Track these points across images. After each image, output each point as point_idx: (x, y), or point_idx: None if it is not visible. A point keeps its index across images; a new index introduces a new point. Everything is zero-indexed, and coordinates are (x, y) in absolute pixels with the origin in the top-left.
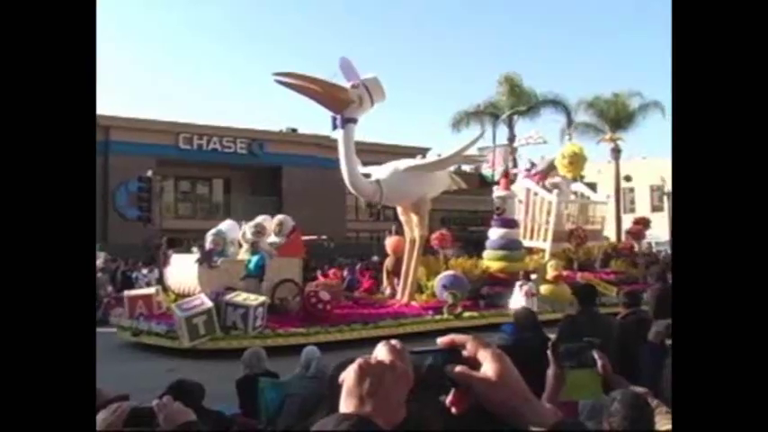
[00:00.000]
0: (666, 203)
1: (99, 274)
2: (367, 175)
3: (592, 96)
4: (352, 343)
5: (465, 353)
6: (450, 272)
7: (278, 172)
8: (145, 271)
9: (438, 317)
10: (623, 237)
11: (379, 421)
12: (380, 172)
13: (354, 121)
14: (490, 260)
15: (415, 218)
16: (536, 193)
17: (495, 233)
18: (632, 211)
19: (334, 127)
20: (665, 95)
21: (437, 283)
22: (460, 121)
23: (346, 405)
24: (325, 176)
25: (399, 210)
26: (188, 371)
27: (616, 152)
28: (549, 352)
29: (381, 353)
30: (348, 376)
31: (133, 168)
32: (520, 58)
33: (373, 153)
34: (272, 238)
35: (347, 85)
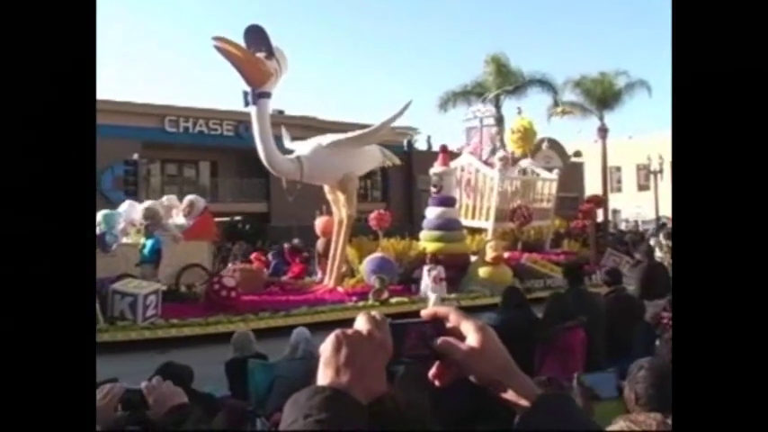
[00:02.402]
0: (653, 182)
1: None
2: (290, 152)
3: (578, 76)
4: (261, 333)
5: (448, 325)
6: (377, 254)
7: None
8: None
9: (362, 303)
10: (610, 216)
11: (356, 393)
12: (302, 148)
13: (268, 95)
14: (426, 241)
15: (341, 197)
16: (477, 170)
17: (431, 212)
18: (619, 190)
19: (247, 103)
20: (651, 74)
21: (364, 266)
22: (447, 101)
23: (323, 376)
24: None
25: (326, 188)
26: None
27: (603, 131)
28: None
29: (359, 323)
30: (324, 347)
31: (119, 152)
32: (507, 37)
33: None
34: (181, 220)
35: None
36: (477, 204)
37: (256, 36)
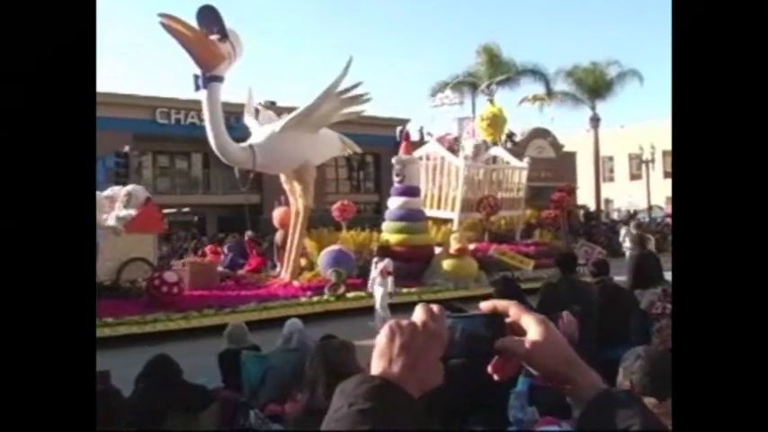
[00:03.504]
0: (645, 172)
1: None
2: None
3: (570, 65)
4: (205, 331)
5: (507, 319)
6: (334, 247)
7: None
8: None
9: (316, 298)
10: (602, 206)
11: (407, 384)
12: (257, 135)
13: (220, 79)
14: (388, 233)
15: (298, 187)
16: (443, 158)
17: (393, 202)
18: (611, 180)
19: (197, 87)
20: (642, 64)
21: (320, 259)
22: (440, 91)
23: (375, 366)
24: None
25: (283, 178)
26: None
27: (595, 121)
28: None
29: (416, 314)
30: (379, 338)
31: (110, 144)
32: (499, 27)
33: (350, 124)
34: (123, 212)
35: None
36: (443, 194)
37: (209, 17)
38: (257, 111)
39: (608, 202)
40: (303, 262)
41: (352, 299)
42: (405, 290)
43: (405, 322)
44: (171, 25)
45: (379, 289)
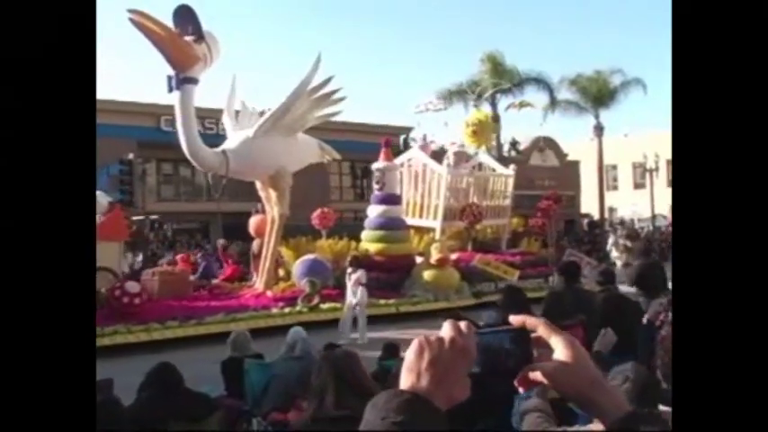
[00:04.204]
0: (649, 180)
1: None
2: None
3: (574, 74)
4: (170, 344)
5: (534, 335)
6: (309, 256)
7: None
8: (129, 255)
9: (288, 310)
10: (606, 214)
11: (435, 398)
12: (231, 140)
13: (195, 81)
14: (367, 241)
15: (273, 194)
16: (425, 165)
17: (373, 210)
18: (615, 188)
19: (171, 88)
20: (646, 72)
21: (294, 269)
22: (443, 99)
23: (404, 381)
24: None
25: (258, 185)
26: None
27: (599, 130)
28: None
29: (444, 330)
30: (408, 353)
31: (114, 151)
32: (503, 36)
33: (355, 132)
34: None
35: (187, 39)
36: (425, 202)
37: (186, 18)
38: (237, 112)
39: (612, 210)
40: (281, 272)
41: (326, 310)
42: (382, 301)
43: (433, 338)
44: (141, 22)
45: (353, 300)
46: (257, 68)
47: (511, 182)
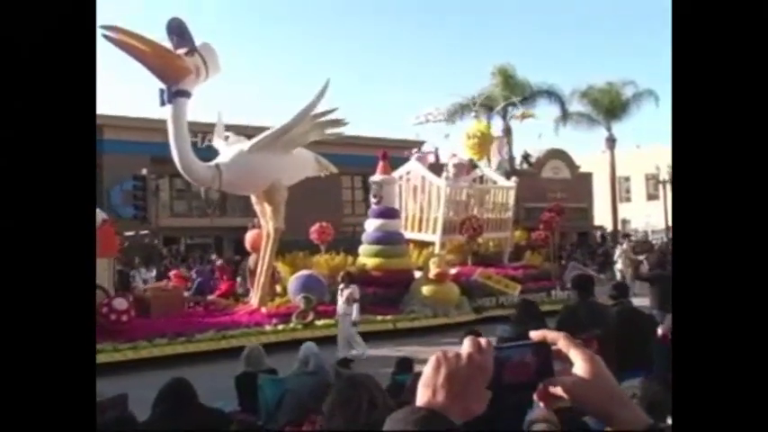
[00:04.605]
0: (662, 192)
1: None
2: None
3: (585, 86)
4: (157, 362)
5: (554, 348)
6: (305, 272)
7: None
8: (143, 270)
9: (282, 327)
10: (619, 226)
11: (451, 413)
12: (224, 154)
13: (187, 94)
14: (365, 256)
15: (268, 208)
16: (423, 177)
17: (370, 224)
18: (628, 200)
19: (163, 102)
20: (658, 84)
21: (289, 285)
22: (455, 113)
23: (421, 396)
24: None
25: (253, 199)
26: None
27: (611, 141)
28: None
29: (464, 346)
30: (426, 368)
31: (128, 167)
32: (513, 48)
33: (369, 147)
34: None
35: (179, 52)
36: (424, 215)
37: (177, 31)
38: (227, 137)
39: (625, 222)
40: (279, 288)
41: (321, 327)
42: (379, 317)
43: (451, 353)
44: (120, 39)
45: (344, 318)
46: (263, 82)
47: (512, 194)
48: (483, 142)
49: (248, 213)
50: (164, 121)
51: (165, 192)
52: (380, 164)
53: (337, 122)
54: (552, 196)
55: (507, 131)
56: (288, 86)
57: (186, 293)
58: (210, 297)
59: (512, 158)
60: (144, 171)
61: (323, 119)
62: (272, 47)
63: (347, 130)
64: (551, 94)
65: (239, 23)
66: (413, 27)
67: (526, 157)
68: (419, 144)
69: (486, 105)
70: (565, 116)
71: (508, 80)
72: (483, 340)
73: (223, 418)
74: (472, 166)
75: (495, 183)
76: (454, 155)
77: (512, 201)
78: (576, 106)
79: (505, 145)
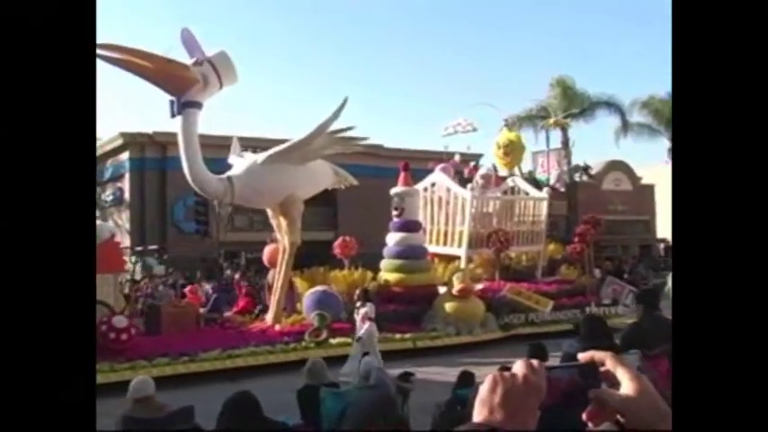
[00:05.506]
0: None
1: (161, 287)
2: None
3: (646, 96)
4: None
5: (602, 369)
6: (319, 288)
7: None
8: (206, 285)
9: (293, 345)
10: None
11: (507, 429)
12: (237, 167)
13: (198, 105)
14: (386, 271)
15: (283, 222)
16: (448, 189)
17: (392, 238)
18: None
19: (173, 113)
20: None
21: (304, 301)
22: (513, 125)
23: (478, 413)
24: (379, 185)
25: (269, 213)
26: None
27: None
28: None
29: (517, 367)
30: (482, 387)
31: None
32: (572, 59)
33: (418, 160)
34: None
35: (189, 62)
36: (449, 228)
37: (186, 40)
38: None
39: None
40: (299, 305)
41: (335, 345)
42: (398, 336)
43: (507, 374)
44: (114, 57)
45: (362, 336)
46: (285, 94)
47: (544, 205)
48: (513, 151)
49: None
50: (222, 137)
51: (225, 207)
52: (402, 175)
53: (354, 139)
54: (613, 208)
55: (566, 143)
56: (313, 97)
57: (202, 310)
58: (227, 314)
59: (571, 170)
60: None
61: (339, 135)
62: (296, 59)
63: (408, 144)
64: (611, 105)
65: (263, 33)
66: (468, 38)
67: (586, 168)
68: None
69: (544, 117)
70: (625, 127)
71: (566, 91)
72: (535, 362)
73: (287, 431)
74: (500, 177)
75: (527, 194)
76: (480, 165)
77: (544, 212)
78: (636, 117)
79: (564, 157)
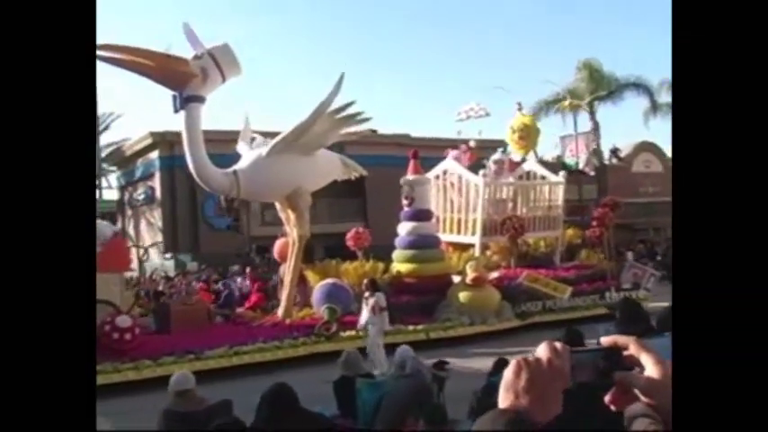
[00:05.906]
0: None
1: (194, 283)
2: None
3: None
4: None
5: (626, 353)
6: (329, 280)
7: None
8: (239, 279)
9: (302, 340)
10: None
11: (533, 415)
12: (243, 160)
13: (200, 99)
14: (398, 262)
15: (292, 215)
16: (460, 176)
17: (403, 228)
18: None
19: (176, 108)
20: None
21: (314, 295)
22: (540, 110)
23: (503, 399)
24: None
25: (278, 206)
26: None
27: None
28: None
29: (541, 351)
30: (506, 373)
31: None
32: (598, 40)
33: (436, 148)
34: None
35: (190, 56)
36: (462, 216)
37: (186, 34)
38: (253, 139)
39: None
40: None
41: (345, 339)
42: (411, 327)
43: (531, 359)
44: (113, 57)
45: (371, 328)
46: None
47: (561, 190)
48: (528, 135)
49: (335, 219)
50: (230, 132)
51: (255, 202)
52: (411, 163)
53: (357, 118)
54: (644, 191)
55: (595, 127)
56: (322, 88)
57: (212, 306)
58: (239, 310)
59: (600, 153)
60: None
61: (341, 114)
62: (310, 50)
63: (434, 133)
64: (639, 86)
65: (271, 25)
66: (491, 23)
67: (615, 151)
68: (504, 144)
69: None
70: (654, 108)
71: (593, 74)
72: (559, 345)
73: (325, 422)
74: (515, 162)
75: (543, 178)
76: (464, 143)
77: (561, 197)
78: (664, 97)
79: (593, 141)
